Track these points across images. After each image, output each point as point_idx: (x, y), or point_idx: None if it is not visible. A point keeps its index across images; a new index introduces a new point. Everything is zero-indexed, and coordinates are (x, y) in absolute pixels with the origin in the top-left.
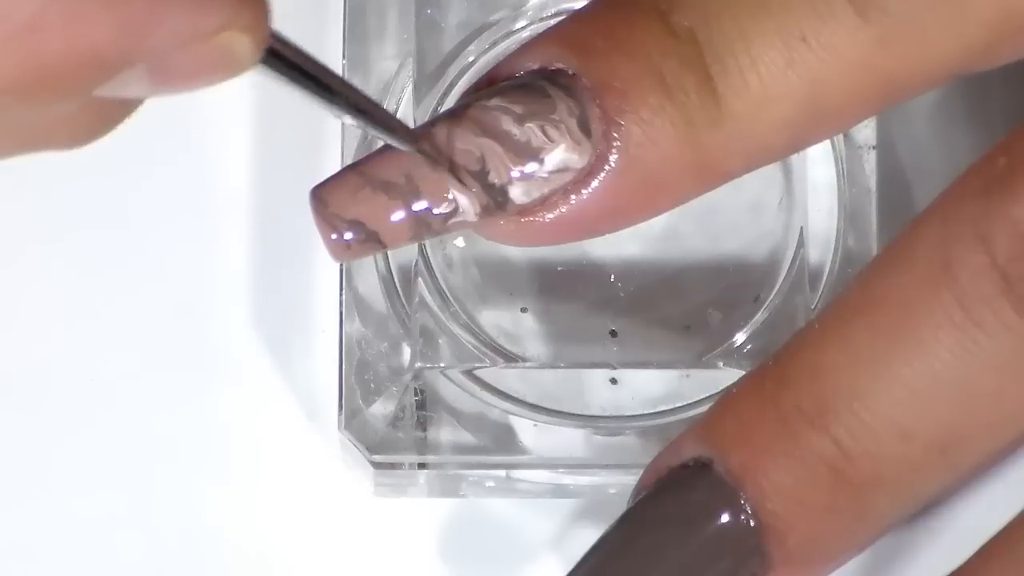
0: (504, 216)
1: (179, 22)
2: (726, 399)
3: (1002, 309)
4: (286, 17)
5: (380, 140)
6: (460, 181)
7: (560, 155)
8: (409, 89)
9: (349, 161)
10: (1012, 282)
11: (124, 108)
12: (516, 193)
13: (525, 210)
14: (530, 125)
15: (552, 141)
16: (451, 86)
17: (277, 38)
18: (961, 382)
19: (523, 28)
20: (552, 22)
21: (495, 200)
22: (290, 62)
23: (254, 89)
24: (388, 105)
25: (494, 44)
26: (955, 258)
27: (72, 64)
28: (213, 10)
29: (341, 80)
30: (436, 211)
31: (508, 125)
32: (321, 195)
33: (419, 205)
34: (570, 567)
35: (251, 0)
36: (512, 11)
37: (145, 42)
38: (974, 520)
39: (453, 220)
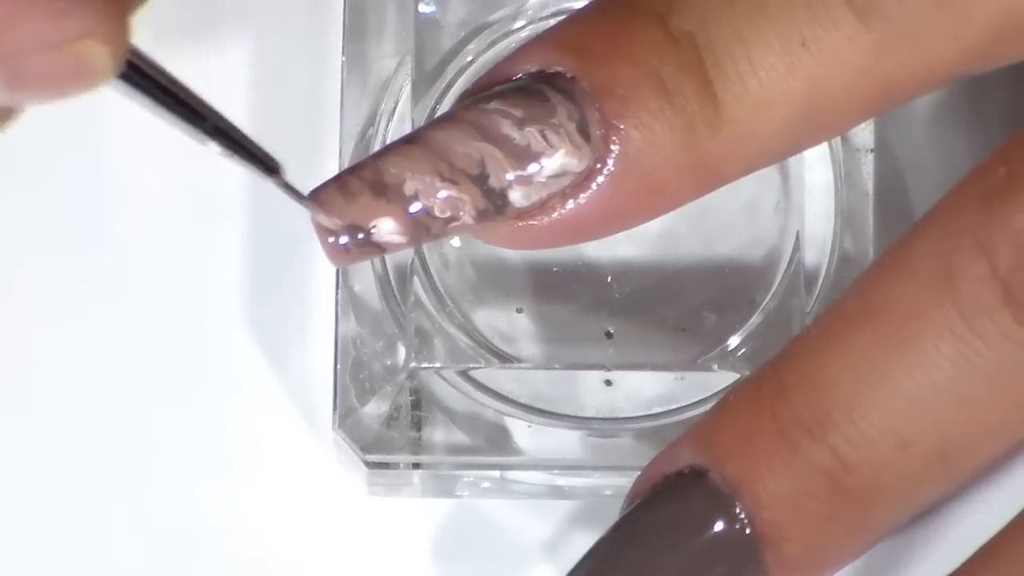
0: (503, 220)
1: (37, 26)
2: (723, 407)
3: (1003, 319)
4: (287, 14)
5: (377, 143)
6: (458, 185)
7: (560, 159)
8: (407, 87)
9: (347, 160)
10: (1013, 292)
11: None
12: (515, 197)
13: (523, 214)
14: (530, 129)
15: (552, 146)
16: (449, 85)
17: (136, 53)
18: (961, 392)
19: (522, 28)
20: (551, 22)
21: (494, 204)
22: (150, 80)
23: (251, 89)
24: (387, 104)
25: (493, 43)
26: (956, 268)
27: None
28: (73, 17)
29: (203, 103)
30: (435, 215)
31: (508, 129)
32: (319, 199)
33: (418, 209)
34: (564, 569)
35: (112, 12)
36: (511, 11)
37: (1, 42)
38: (972, 522)
39: (452, 224)
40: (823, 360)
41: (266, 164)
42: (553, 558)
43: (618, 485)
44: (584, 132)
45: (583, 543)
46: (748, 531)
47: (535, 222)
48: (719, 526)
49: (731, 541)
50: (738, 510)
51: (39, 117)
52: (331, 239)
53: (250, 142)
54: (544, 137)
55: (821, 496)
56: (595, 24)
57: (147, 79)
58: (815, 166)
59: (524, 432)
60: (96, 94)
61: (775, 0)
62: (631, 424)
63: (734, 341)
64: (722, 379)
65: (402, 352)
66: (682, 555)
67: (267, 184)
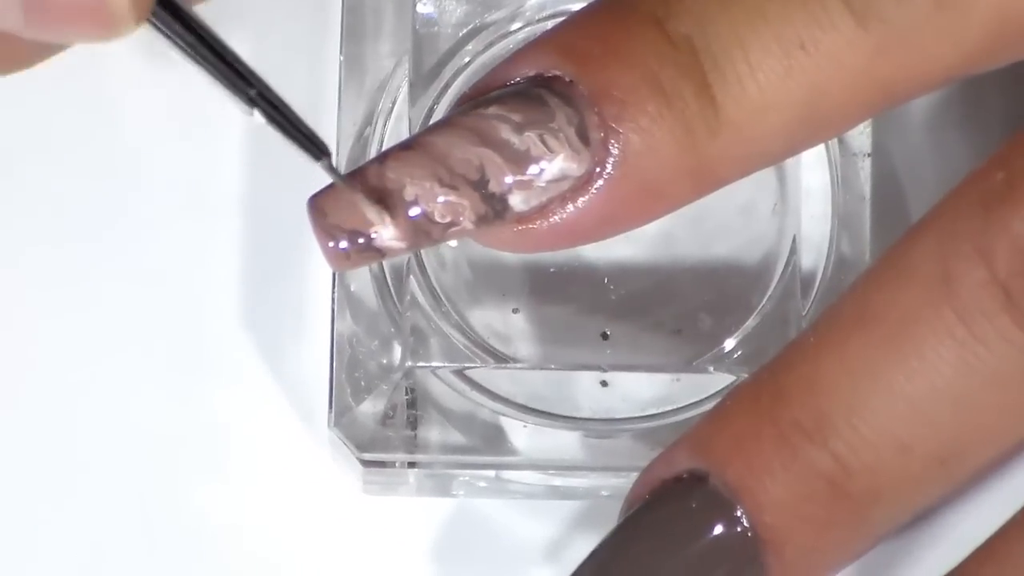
0: (503, 224)
1: None
2: (720, 412)
3: (1004, 323)
4: (286, 14)
5: (374, 143)
6: (458, 190)
7: (559, 164)
8: (405, 88)
9: (344, 160)
10: (1013, 297)
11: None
12: (515, 201)
13: (523, 217)
14: (529, 134)
15: (551, 150)
16: (447, 86)
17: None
18: (962, 396)
19: (519, 29)
20: (548, 24)
21: (494, 209)
22: (182, 30)
23: None
24: (384, 104)
25: (490, 45)
26: (955, 273)
27: None
28: None
29: (252, 71)
30: (435, 220)
31: (507, 134)
32: (319, 205)
33: (418, 214)
34: (561, 569)
35: None
36: (509, 12)
37: None
38: (970, 522)
39: (452, 229)
40: (822, 365)
41: (314, 143)
42: (549, 558)
43: (615, 486)
44: (583, 136)
45: (580, 543)
46: (749, 534)
47: (535, 226)
48: (720, 529)
49: (732, 544)
50: (739, 514)
51: (37, 114)
52: (331, 244)
53: (299, 120)
54: (543, 141)
55: (822, 500)
56: (593, 28)
57: (182, 28)
58: (812, 169)
59: (520, 432)
60: (98, 87)
61: (773, 3)
62: (627, 425)
63: (730, 343)
64: (718, 381)
65: (398, 351)
66: (684, 558)
67: (266, 182)
